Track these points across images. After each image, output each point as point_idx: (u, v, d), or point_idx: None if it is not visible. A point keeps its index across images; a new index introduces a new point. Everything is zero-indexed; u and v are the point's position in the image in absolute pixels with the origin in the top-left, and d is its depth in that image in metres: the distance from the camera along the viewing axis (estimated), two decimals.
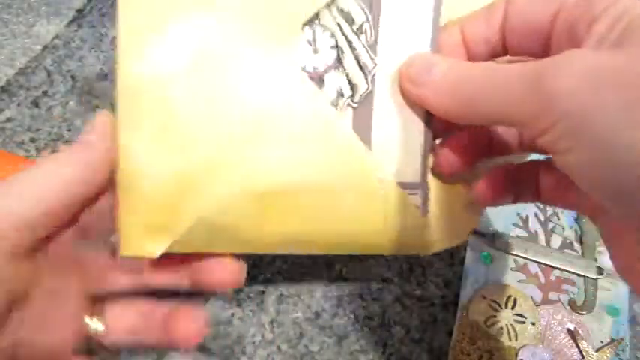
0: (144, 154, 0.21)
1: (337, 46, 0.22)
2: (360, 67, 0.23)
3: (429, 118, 0.23)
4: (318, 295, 0.31)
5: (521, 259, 0.32)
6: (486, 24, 0.22)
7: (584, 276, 0.32)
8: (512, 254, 0.32)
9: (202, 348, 0.29)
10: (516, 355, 0.29)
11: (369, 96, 0.23)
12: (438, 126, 0.23)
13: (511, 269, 0.32)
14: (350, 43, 0.23)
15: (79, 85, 0.36)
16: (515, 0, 0.21)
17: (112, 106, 0.34)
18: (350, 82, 0.23)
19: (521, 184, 0.23)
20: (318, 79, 0.22)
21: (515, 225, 0.34)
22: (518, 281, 0.32)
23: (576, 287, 0.32)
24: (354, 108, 0.23)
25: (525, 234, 0.33)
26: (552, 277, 0.32)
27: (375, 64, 0.23)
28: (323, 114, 0.22)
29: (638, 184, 0.16)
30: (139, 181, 0.22)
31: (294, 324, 0.30)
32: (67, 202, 0.20)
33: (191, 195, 0.22)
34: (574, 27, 0.19)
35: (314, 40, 0.22)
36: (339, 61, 0.22)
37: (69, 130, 0.34)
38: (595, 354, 0.30)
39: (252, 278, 0.31)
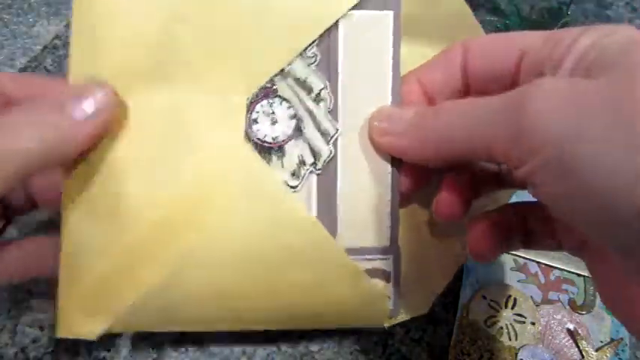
0: (86, 234, 0.21)
1: (296, 116, 0.22)
2: (322, 133, 0.22)
3: (396, 179, 0.22)
4: None
5: (521, 259, 0.32)
6: (445, 71, 0.22)
7: (584, 276, 0.32)
8: (512, 254, 0.32)
9: (202, 348, 0.29)
10: (516, 355, 0.29)
11: (332, 161, 0.22)
12: (406, 184, 0.23)
13: (511, 269, 0.32)
14: (309, 112, 0.22)
15: None
16: (473, 47, 0.21)
17: None
18: (312, 149, 0.22)
19: (510, 232, 0.23)
20: (278, 150, 0.22)
21: None
22: (518, 281, 0.32)
23: (576, 287, 0.32)
24: (317, 175, 0.22)
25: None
26: (552, 277, 0.32)
27: (337, 129, 0.22)
28: (270, 188, 0.22)
29: (623, 213, 0.15)
30: (80, 262, 0.21)
31: None
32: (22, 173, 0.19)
33: (132, 275, 0.21)
34: (542, 66, 0.19)
35: (272, 111, 0.22)
36: (299, 129, 0.22)
37: None
38: (595, 354, 0.30)
39: None
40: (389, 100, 0.22)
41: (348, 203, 0.22)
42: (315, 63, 0.22)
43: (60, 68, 0.37)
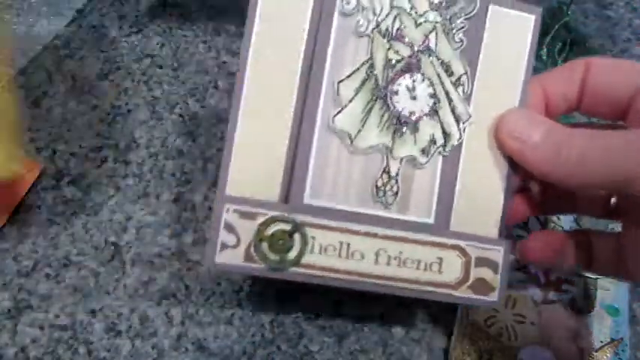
0: None
1: (435, 95, 0.23)
2: (455, 117, 0.23)
3: (512, 175, 0.24)
4: (318, 295, 0.31)
5: None
6: (566, 84, 0.23)
7: (584, 276, 0.32)
8: (512, 254, 0.32)
9: (202, 348, 0.29)
10: (516, 355, 0.29)
11: (458, 147, 0.23)
12: (517, 180, 0.24)
13: (511, 269, 0.32)
14: (447, 93, 0.23)
15: (79, 85, 0.36)
16: (595, 67, 0.23)
17: (112, 105, 0.34)
18: (444, 130, 0.23)
19: (572, 250, 0.25)
20: (413, 125, 0.23)
21: (515, 225, 0.34)
22: (519, 281, 0.32)
23: (576, 287, 0.32)
24: (444, 157, 0.23)
25: (525, 234, 0.33)
26: (552, 277, 0.32)
27: (470, 116, 0.23)
28: None
29: None
30: None
31: (294, 324, 0.30)
32: None
33: None
34: None
35: (413, 87, 0.23)
36: (435, 109, 0.23)
37: (69, 131, 0.34)
38: (595, 354, 0.30)
39: (252, 278, 0.31)
40: (517, 98, 0.23)
41: (465, 189, 0.23)
42: (461, 48, 0.23)
43: (60, 68, 0.37)
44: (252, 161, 0.22)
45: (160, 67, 0.37)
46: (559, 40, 0.40)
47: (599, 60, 0.23)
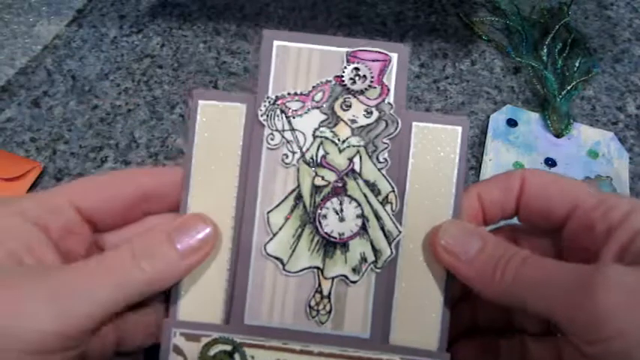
0: None
1: (363, 215, 0.23)
2: (385, 234, 0.23)
3: (450, 288, 0.23)
4: None
5: None
6: (502, 194, 0.23)
7: None
8: None
9: None
10: None
11: (392, 262, 0.23)
12: (456, 291, 0.24)
13: None
14: (375, 212, 0.23)
15: (79, 85, 0.36)
16: (531, 180, 0.23)
17: (112, 105, 0.34)
18: (374, 248, 0.23)
19: (503, 356, 0.24)
20: (343, 245, 0.23)
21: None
22: None
23: None
24: (377, 273, 0.23)
25: None
26: None
27: (400, 232, 0.23)
28: None
29: None
30: None
31: None
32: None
33: None
34: (591, 228, 0.20)
35: (341, 209, 0.23)
36: (364, 228, 0.23)
37: (69, 130, 0.34)
38: None
39: None
40: (450, 211, 0.23)
41: (402, 304, 0.23)
42: (386, 168, 0.23)
43: (60, 68, 0.37)
44: (199, 288, 0.24)
45: (160, 67, 0.37)
46: (559, 40, 0.40)
47: (536, 173, 0.23)
